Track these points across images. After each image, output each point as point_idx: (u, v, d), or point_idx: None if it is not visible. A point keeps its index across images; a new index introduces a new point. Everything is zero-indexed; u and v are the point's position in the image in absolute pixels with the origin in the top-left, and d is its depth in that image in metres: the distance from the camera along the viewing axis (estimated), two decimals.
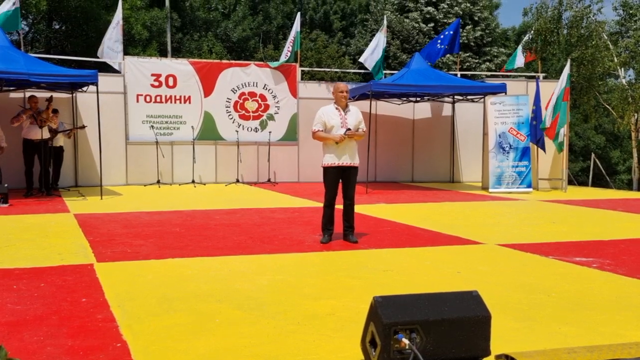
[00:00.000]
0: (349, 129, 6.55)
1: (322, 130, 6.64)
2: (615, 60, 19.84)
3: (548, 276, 5.33)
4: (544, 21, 17.77)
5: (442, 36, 15.40)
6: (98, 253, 6.10)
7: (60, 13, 23.47)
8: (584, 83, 18.73)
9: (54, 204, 10.17)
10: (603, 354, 3.25)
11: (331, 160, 6.65)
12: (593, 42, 17.81)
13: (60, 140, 12.34)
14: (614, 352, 3.23)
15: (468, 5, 27.82)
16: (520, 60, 16.64)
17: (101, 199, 10.96)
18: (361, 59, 15.90)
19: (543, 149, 13.33)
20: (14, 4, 12.51)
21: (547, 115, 13.02)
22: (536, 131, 13.13)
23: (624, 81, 20.80)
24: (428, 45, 15.91)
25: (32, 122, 11.34)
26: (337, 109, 6.69)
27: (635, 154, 20.71)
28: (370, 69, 15.64)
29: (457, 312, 3.10)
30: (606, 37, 19.74)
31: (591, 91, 19.40)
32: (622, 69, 20.78)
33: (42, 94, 12.34)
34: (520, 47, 17.12)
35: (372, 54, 15.55)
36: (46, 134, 11.37)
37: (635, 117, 19.96)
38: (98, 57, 14.60)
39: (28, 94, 12.46)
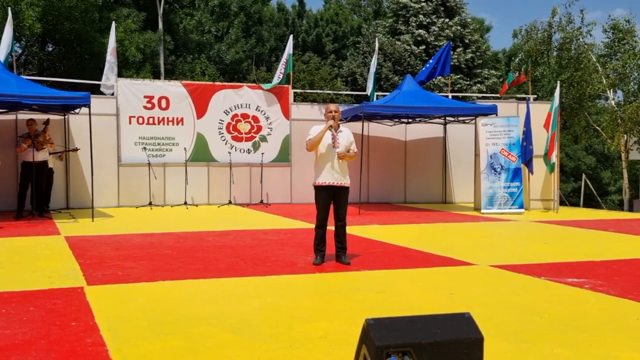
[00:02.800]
0: (332, 125, 6.63)
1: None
2: (604, 82, 20.06)
3: (540, 297, 5.33)
4: (534, 43, 17.98)
5: (431, 61, 15.54)
6: (88, 276, 6.05)
7: (54, 35, 23.56)
8: (574, 104, 18.92)
9: (45, 226, 10.11)
10: None
11: (322, 179, 6.65)
12: (582, 65, 18.05)
13: (50, 162, 12.31)
14: None
15: (459, 28, 28.13)
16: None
17: (92, 221, 10.90)
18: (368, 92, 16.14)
19: (531, 171, 13.42)
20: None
21: (549, 135, 13.10)
22: (526, 152, 13.22)
23: (613, 102, 21.01)
24: (421, 73, 16.07)
25: (30, 144, 11.37)
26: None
27: (625, 175, 20.85)
28: (368, 93, 15.77)
29: (450, 334, 3.09)
30: (595, 60, 19.98)
31: (581, 112, 19.58)
32: (611, 90, 21.00)
33: (36, 116, 12.33)
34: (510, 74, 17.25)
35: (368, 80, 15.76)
36: (44, 156, 11.42)
37: (625, 138, 20.14)
38: (91, 80, 14.59)
39: (20, 117, 12.44)
